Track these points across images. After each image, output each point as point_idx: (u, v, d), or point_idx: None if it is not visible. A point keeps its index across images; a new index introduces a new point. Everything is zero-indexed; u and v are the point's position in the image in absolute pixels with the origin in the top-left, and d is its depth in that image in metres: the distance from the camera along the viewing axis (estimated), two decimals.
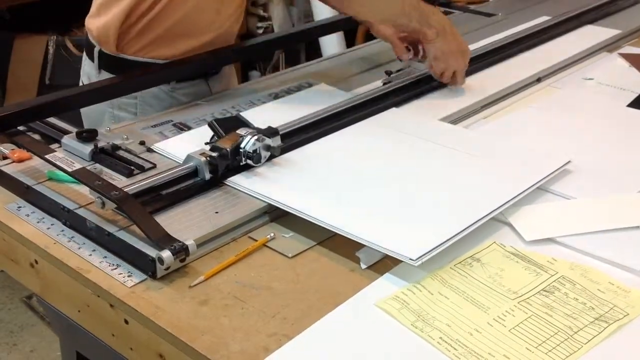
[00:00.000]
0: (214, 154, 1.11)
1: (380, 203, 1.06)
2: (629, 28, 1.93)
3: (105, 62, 1.45)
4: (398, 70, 1.50)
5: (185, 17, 1.39)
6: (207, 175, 1.10)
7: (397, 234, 0.97)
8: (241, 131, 1.14)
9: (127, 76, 1.40)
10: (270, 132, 1.15)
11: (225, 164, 1.11)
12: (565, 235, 1.02)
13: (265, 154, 1.13)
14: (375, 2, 1.38)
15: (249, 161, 1.12)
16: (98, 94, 1.35)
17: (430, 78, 1.48)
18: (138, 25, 1.39)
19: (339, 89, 1.50)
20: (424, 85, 1.48)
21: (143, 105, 1.44)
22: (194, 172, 1.10)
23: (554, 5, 2.11)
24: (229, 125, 1.17)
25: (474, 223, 1.00)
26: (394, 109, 1.40)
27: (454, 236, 0.97)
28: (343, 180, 1.12)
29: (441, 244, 0.95)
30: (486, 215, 1.02)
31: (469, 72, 1.58)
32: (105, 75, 1.45)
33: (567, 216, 1.08)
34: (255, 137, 1.12)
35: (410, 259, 0.92)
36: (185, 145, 1.17)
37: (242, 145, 1.12)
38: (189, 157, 1.11)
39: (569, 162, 1.18)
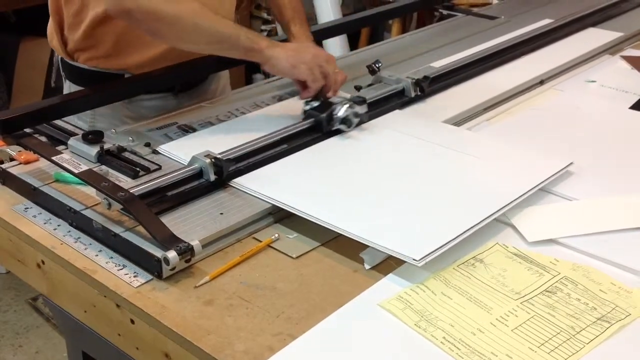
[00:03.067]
0: (219, 156, 1.12)
1: (383, 204, 1.06)
2: (631, 30, 1.94)
3: (67, 69, 1.45)
4: (368, 85, 1.47)
5: (122, 34, 1.36)
6: (212, 177, 1.10)
7: (400, 235, 0.98)
8: (334, 100, 1.28)
9: (131, 78, 1.41)
10: (359, 100, 1.29)
11: (229, 166, 1.12)
12: (568, 237, 1.03)
13: (355, 120, 1.26)
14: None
15: (341, 126, 1.26)
16: (102, 96, 1.36)
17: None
18: (77, 38, 1.38)
19: (342, 91, 1.51)
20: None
21: (94, 115, 1.42)
22: (199, 174, 1.11)
23: (557, 8, 2.12)
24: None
25: (476, 224, 1.01)
26: (397, 111, 1.41)
27: (457, 237, 0.98)
28: (347, 181, 1.13)
29: (444, 244, 0.96)
30: (489, 216, 1.03)
31: (472, 75, 1.59)
32: (69, 83, 1.46)
33: (569, 217, 1.08)
34: (347, 105, 1.26)
35: (414, 260, 0.93)
36: (190, 147, 1.18)
37: (334, 112, 1.25)
38: (194, 159, 1.12)
39: (571, 163, 1.19)
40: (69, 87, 1.47)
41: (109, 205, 1.00)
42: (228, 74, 1.64)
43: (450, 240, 0.97)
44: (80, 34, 1.38)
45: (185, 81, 1.48)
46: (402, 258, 0.94)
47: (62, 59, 1.46)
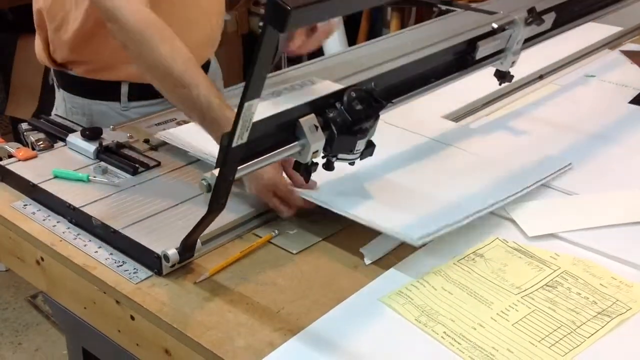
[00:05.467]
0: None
1: (385, 191, 1.07)
2: (630, 25, 1.93)
3: (60, 78, 1.43)
4: None
5: (110, 47, 1.27)
6: None
7: (400, 219, 0.98)
8: None
9: None
10: None
11: None
12: (568, 231, 1.03)
13: None
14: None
15: None
16: None
17: None
18: (64, 55, 1.36)
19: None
20: None
21: (91, 123, 1.38)
22: None
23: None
24: None
25: (474, 213, 1.01)
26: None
27: (455, 222, 0.98)
28: (347, 172, 1.12)
29: (443, 227, 0.96)
30: (485, 208, 1.03)
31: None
32: (63, 93, 1.44)
33: (569, 212, 1.08)
34: None
35: (412, 239, 0.93)
36: (194, 134, 1.16)
37: None
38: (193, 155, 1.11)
39: (569, 164, 1.18)
40: (62, 97, 1.44)
41: None
42: (220, 75, 1.62)
43: (449, 225, 0.97)
44: (67, 50, 1.35)
45: None
46: (400, 237, 0.94)
47: (54, 70, 1.43)
